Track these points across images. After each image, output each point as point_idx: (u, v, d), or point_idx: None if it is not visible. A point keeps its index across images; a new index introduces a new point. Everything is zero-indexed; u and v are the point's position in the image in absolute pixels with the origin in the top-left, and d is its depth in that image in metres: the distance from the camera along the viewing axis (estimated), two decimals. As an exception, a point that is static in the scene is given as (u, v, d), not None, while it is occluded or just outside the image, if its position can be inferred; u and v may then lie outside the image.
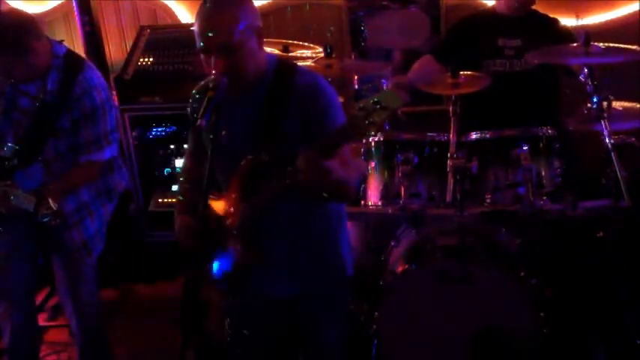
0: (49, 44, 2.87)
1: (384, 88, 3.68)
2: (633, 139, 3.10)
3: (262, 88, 2.23)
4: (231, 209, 2.21)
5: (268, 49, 3.63)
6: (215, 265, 2.24)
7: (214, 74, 2.14)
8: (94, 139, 2.89)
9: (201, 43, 2.14)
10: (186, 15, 4.94)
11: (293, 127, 2.18)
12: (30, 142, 2.88)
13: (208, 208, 2.17)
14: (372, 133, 3.11)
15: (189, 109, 2.41)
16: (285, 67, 2.29)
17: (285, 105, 2.20)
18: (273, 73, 2.25)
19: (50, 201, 2.72)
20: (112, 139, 2.96)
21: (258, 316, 2.42)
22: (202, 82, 2.39)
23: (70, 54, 2.96)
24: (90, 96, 2.84)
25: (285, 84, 2.22)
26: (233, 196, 2.22)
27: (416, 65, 3.69)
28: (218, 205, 2.25)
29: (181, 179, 2.54)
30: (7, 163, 2.87)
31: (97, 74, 2.95)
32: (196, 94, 2.39)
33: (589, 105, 2.95)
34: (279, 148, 2.15)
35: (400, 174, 3.01)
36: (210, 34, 2.11)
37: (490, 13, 3.73)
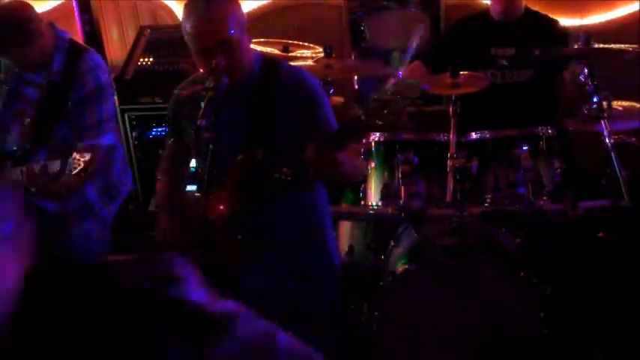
0: (51, 27, 2.88)
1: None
2: (633, 139, 3.10)
3: (250, 87, 2.24)
4: (222, 207, 2.21)
5: (268, 49, 3.66)
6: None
7: (215, 74, 2.14)
8: (97, 121, 2.87)
9: (199, 43, 2.13)
10: (186, 15, 4.93)
11: (283, 123, 2.19)
12: (39, 128, 2.86)
13: (197, 206, 2.16)
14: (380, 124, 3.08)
15: (170, 110, 2.42)
16: (269, 63, 2.30)
17: (273, 101, 2.21)
18: (259, 70, 2.26)
19: (77, 153, 2.51)
20: (112, 125, 2.96)
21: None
22: (184, 83, 2.40)
23: (74, 40, 2.99)
24: (95, 74, 2.86)
25: (271, 81, 2.24)
26: (225, 194, 2.22)
27: (406, 73, 3.53)
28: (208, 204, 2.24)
29: (160, 180, 2.53)
30: (27, 146, 2.84)
31: (100, 58, 2.97)
32: (179, 94, 2.40)
33: (589, 105, 2.94)
34: (271, 143, 2.16)
35: (400, 174, 3.01)
36: (208, 33, 2.11)
37: (483, 18, 3.56)
